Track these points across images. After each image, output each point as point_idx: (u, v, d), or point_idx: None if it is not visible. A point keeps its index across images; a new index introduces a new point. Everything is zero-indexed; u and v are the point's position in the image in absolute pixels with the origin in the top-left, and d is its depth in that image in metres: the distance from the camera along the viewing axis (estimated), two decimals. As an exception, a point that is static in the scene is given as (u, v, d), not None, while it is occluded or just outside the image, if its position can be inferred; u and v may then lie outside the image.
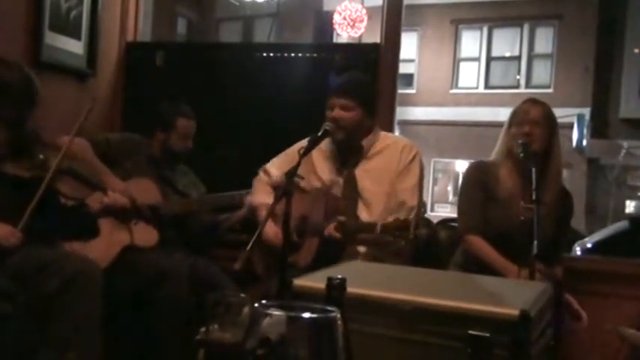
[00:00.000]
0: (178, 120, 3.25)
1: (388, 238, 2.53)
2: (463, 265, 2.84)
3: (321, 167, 2.90)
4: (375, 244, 2.67)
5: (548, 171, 2.73)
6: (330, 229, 2.63)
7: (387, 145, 2.90)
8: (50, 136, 2.75)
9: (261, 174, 3.05)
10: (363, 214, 2.79)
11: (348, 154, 2.88)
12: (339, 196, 2.83)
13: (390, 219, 2.53)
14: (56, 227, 2.74)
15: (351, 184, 2.84)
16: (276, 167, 2.99)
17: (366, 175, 2.85)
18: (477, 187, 2.85)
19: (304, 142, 2.64)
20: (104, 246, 2.84)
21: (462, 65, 16.77)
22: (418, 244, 2.95)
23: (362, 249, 2.74)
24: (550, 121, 2.80)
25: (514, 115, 2.82)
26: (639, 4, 14.52)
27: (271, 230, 2.70)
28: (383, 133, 2.96)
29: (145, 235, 2.98)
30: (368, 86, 3.01)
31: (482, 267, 2.68)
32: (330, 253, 2.62)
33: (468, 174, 2.96)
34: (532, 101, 2.85)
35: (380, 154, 2.88)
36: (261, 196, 2.97)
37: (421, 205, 2.88)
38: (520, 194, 2.75)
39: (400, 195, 2.78)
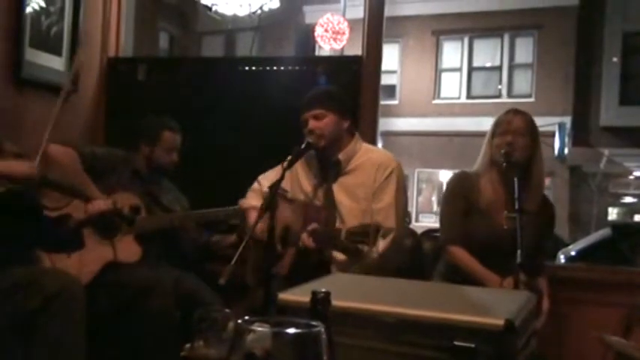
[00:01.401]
0: (163, 133, 3.24)
1: (352, 244, 2.53)
2: (446, 276, 2.85)
3: (304, 180, 2.92)
4: (351, 252, 2.67)
5: (530, 180, 2.75)
6: (304, 239, 2.65)
7: (366, 160, 2.89)
8: (19, 147, 2.71)
9: (256, 183, 3.07)
10: None
11: (328, 168, 2.90)
12: (321, 207, 2.84)
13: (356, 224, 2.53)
14: (40, 240, 2.71)
15: (329, 199, 2.86)
16: (267, 180, 2.98)
17: (343, 190, 2.86)
18: (459, 198, 2.87)
19: None
20: (86, 262, 2.83)
21: (444, 76, 16.86)
22: (404, 257, 2.94)
23: (340, 257, 2.74)
24: (532, 130, 2.82)
25: (496, 126, 2.84)
26: (617, 13, 14.70)
27: (261, 225, 2.69)
28: (364, 146, 2.96)
29: (129, 250, 2.96)
30: (333, 92, 3.02)
31: (465, 277, 2.69)
32: (307, 262, 2.63)
33: (450, 185, 2.97)
34: (514, 111, 2.87)
35: (357, 170, 2.87)
36: (250, 200, 2.99)
37: (400, 223, 2.87)
38: (502, 204, 2.76)
39: (375, 215, 2.77)
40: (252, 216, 2.86)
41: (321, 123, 2.81)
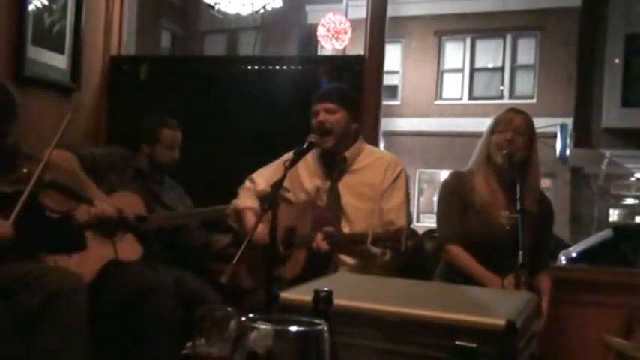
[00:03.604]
0: (162, 131, 3.26)
1: (378, 250, 2.53)
2: (446, 277, 2.84)
3: (305, 179, 2.89)
4: (363, 255, 2.66)
5: (526, 179, 2.74)
6: (319, 242, 2.61)
7: (373, 160, 2.88)
8: (34, 150, 2.73)
9: (248, 182, 3.04)
10: (346, 229, 2.78)
11: (332, 166, 2.87)
12: (326, 207, 2.83)
13: (381, 230, 2.51)
14: (43, 241, 2.71)
15: (335, 198, 2.83)
16: (262, 178, 2.97)
17: (349, 190, 2.84)
18: (455, 197, 2.86)
19: (291, 155, 2.65)
20: (88, 260, 2.82)
21: (446, 76, 16.85)
22: (406, 257, 2.94)
23: (350, 261, 2.73)
24: (531, 130, 2.82)
25: (496, 124, 2.83)
26: (620, 15, 14.69)
27: (260, 229, 2.68)
28: (368, 147, 2.95)
29: (129, 249, 2.96)
30: (351, 91, 3.01)
31: (465, 278, 2.69)
32: (318, 265, 2.61)
33: (445, 184, 2.97)
34: (515, 110, 2.87)
35: (364, 170, 2.86)
36: (245, 201, 2.96)
37: (409, 222, 2.88)
38: (498, 202, 2.76)
39: (387, 214, 2.77)
40: (250, 218, 2.86)
41: (332, 117, 2.80)
